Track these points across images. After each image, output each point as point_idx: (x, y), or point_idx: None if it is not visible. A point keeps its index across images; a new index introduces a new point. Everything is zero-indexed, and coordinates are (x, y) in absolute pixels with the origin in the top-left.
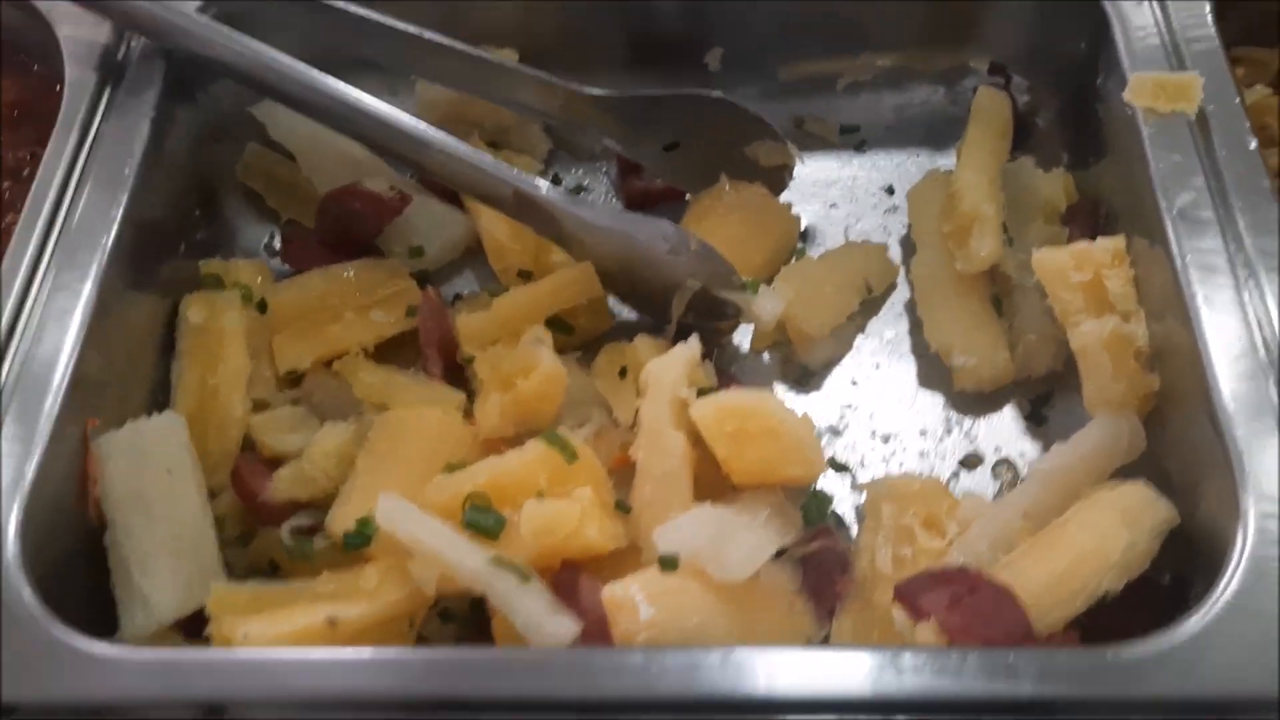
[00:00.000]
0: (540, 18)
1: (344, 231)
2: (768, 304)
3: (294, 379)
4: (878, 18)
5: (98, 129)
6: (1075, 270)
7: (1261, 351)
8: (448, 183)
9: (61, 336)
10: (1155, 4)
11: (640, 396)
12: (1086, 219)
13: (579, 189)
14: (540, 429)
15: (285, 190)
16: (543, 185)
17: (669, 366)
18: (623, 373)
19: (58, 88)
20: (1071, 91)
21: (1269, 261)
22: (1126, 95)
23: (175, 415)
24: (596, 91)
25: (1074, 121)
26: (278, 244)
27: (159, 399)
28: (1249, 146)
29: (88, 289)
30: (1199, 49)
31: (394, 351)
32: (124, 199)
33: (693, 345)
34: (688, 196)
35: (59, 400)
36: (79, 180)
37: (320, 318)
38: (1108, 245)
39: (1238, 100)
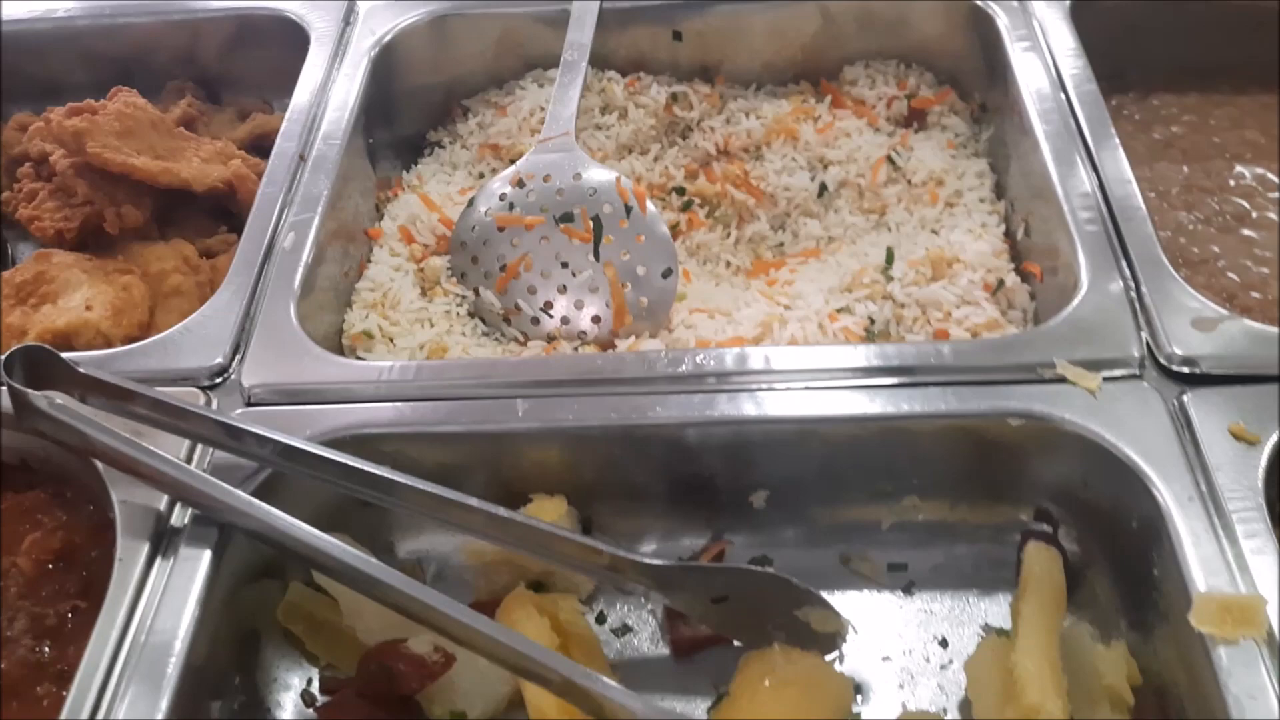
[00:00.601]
0: (584, 460)
1: (385, 688)
2: None
3: None
4: (921, 469)
5: (141, 620)
6: None
7: None
8: (493, 660)
9: None
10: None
11: None
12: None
13: (624, 628)
14: None
15: (327, 635)
16: (594, 677)
17: None
18: None
19: (107, 534)
20: (1123, 544)
21: None
22: (1192, 619)
23: None
24: (645, 560)
25: (1127, 576)
26: (314, 687)
27: None
28: None
29: None
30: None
31: None
32: (164, 704)
33: None
34: (736, 642)
35: None
36: (120, 676)
37: None
38: None
39: None
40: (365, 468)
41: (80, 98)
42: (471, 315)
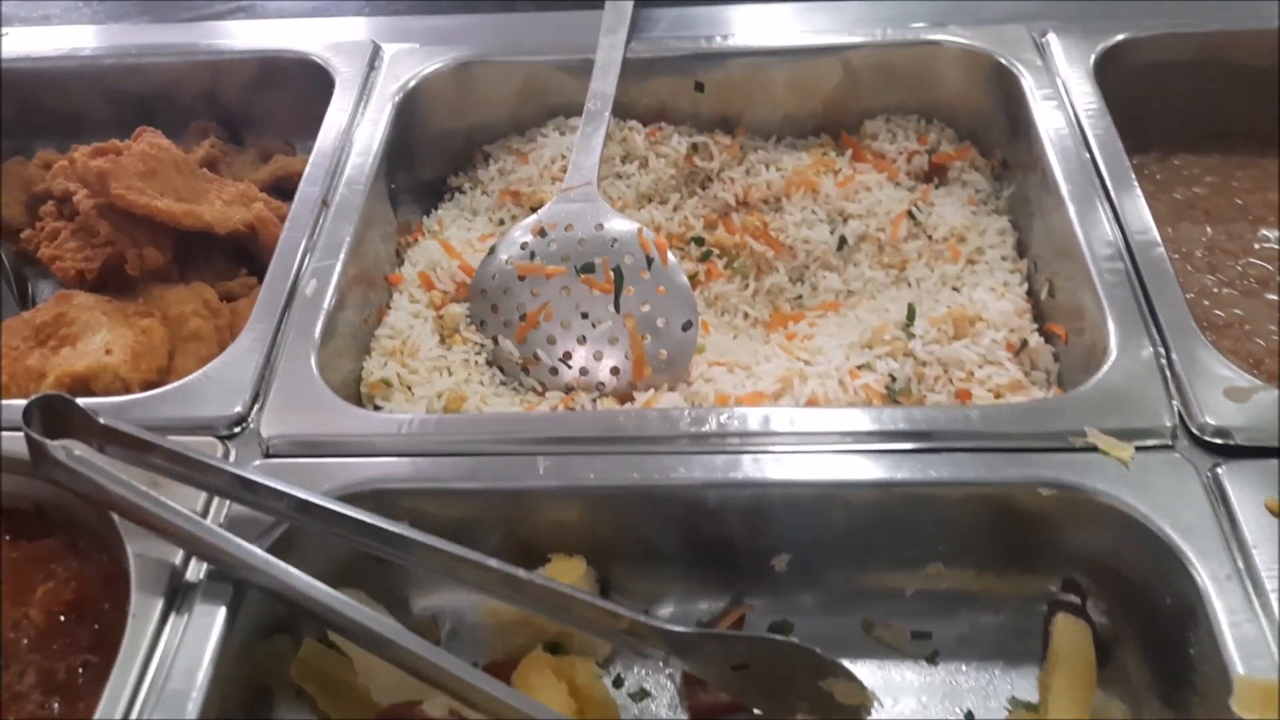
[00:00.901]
0: (604, 519)
1: None
2: None
3: None
4: (946, 536)
5: (155, 678)
6: None
7: None
8: None
9: None
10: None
11: None
12: None
13: (641, 693)
14: None
15: (340, 694)
16: None
17: None
18: None
19: (120, 585)
20: (1156, 619)
21: None
22: (1235, 705)
23: None
24: (664, 626)
25: (1160, 652)
26: None
27: None
28: None
29: None
30: None
31: None
32: None
33: None
34: (756, 711)
35: None
36: None
37: None
38: None
39: None
40: (381, 525)
41: (103, 135)
42: (490, 364)
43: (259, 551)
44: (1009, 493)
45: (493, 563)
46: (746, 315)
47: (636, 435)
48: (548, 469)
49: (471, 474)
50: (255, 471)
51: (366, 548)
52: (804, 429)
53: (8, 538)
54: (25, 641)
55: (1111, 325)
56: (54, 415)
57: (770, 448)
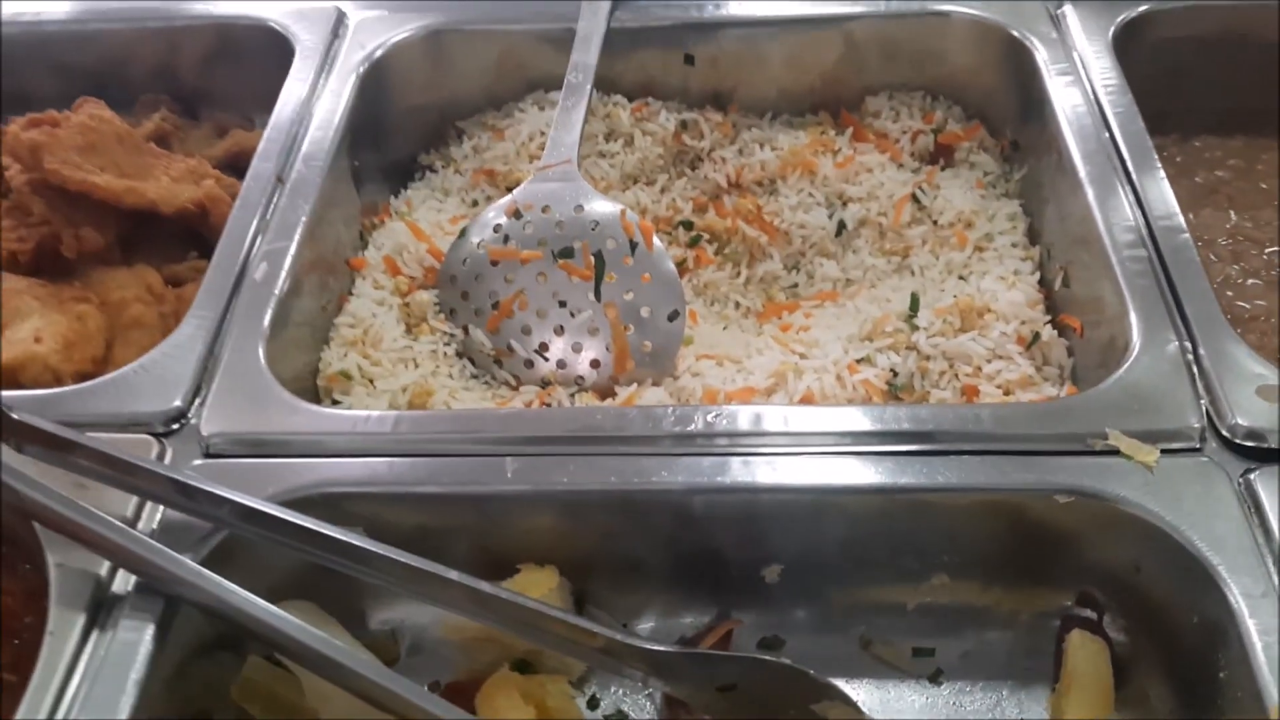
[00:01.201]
0: (580, 527)
1: None
2: None
3: None
4: (952, 546)
5: (71, 704)
6: None
7: None
8: None
9: None
10: None
11: None
12: None
13: (619, 715)
14: None
15: (287, 717)
16: None
17: None
18: None
19: (44, 599)
20: (1180, 639)
21: None
22: None
23: None
24: (644, 645)
25: (1185, 675)
26: None
27: None
28: None
29: None
30: None
31: None
32: None
33: None
34: None
35: None
36: None
37: None
38: None
39: None
40: (331, 533)
41: (45, 110)
42: (460, 356)
43: (191, 564)
44: (1022, 499)
45: (454, 575)
46: (738, 305)
47: (615, 435)
48: (517, 472)
49: (433, 476)
50: (192, 474)
51: (316, 558)
52: (799, 429)
53: None
54: None
55: (1134, 318)
56: None
57: (762, 449)
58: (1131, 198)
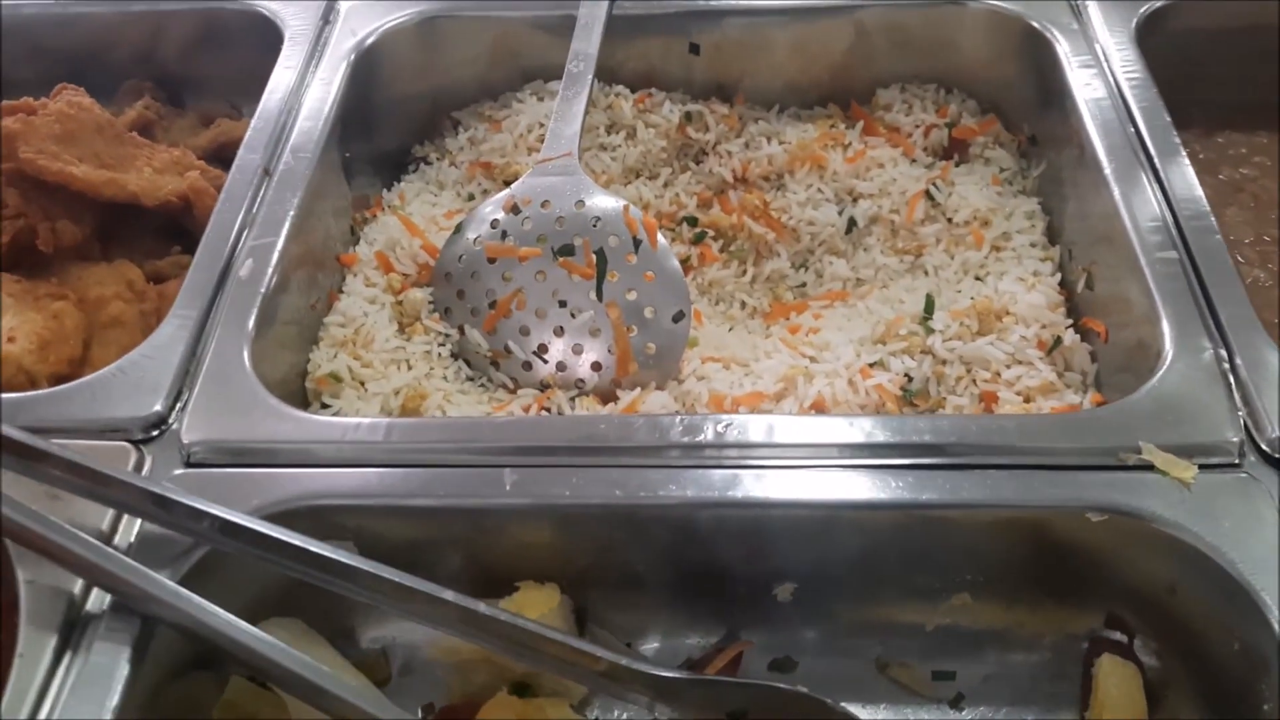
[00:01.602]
0: (581, 543)
1: None
2: None
3: None
4: (974, 564)
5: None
6: None
7: None
8: None
9: None
10: None
11: None
12: None
13: None
14: None
15: None
16: None
17: None
18: None
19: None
20: (1218, 666)
21: None
22: None
23: None
24: (649, 670)
25: (1223, 704)
26: None
27: None
28: None
29: None
30: None
31: None
32: None
33: None
34: None
35: None
36: None
37: None
38: None
39: None
40: (320, 550)
41: (26, 96)
42: (455, 357)
43: (169, 583)
44: (1049, 517)
45: (449, 595)
46: (744, 305)
47: (619, 445)
48: (516, 484)
49: (427, 488)
50: (170, 486)
51: (301, 575)
52: (812, 440)
53: None
54: None
55: (1165, 323)
56: None
57: (773, 461)
58: (1159, 194)
